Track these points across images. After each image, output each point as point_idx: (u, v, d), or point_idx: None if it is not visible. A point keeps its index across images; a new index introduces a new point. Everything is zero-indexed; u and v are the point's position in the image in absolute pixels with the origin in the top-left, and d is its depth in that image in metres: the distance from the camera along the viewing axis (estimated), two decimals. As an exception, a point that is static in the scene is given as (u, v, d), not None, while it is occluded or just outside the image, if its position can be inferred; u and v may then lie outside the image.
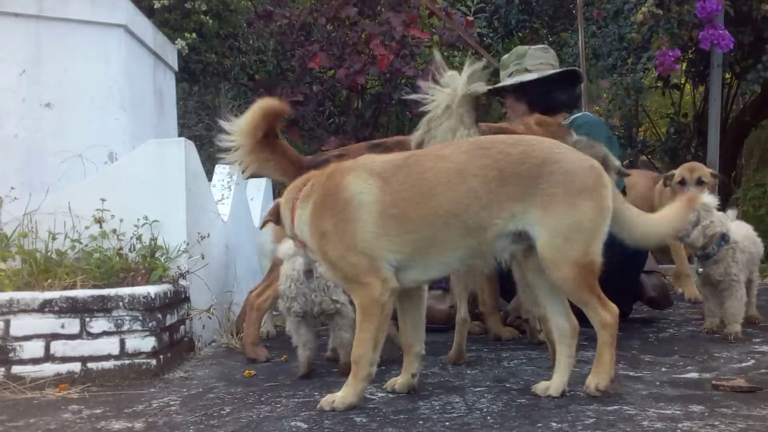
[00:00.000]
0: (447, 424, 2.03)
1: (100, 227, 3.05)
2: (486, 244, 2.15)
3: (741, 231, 3.33)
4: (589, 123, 3.66)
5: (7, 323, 2.67)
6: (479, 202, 2.10)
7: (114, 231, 3.04)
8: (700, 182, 4.26)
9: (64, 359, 2.70)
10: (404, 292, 2.26)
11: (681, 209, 2.35)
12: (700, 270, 3.27)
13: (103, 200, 3.06)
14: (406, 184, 2.12)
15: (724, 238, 3.20)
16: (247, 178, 4.29)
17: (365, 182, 2.14)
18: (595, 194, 2.12)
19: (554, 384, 2.27)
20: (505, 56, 3.90)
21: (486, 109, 2.80)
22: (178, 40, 5.90)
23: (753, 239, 3.40)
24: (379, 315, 2.12)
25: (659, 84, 7.02)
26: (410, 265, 2.16)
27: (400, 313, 2.38)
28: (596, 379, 2.20)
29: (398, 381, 2.40)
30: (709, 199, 3.27)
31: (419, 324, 2.40)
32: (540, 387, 2.30)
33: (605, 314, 2.15)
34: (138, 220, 3.08)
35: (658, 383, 2.43)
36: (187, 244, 3.16)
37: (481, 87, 2.58)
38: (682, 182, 4.31)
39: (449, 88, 2.55)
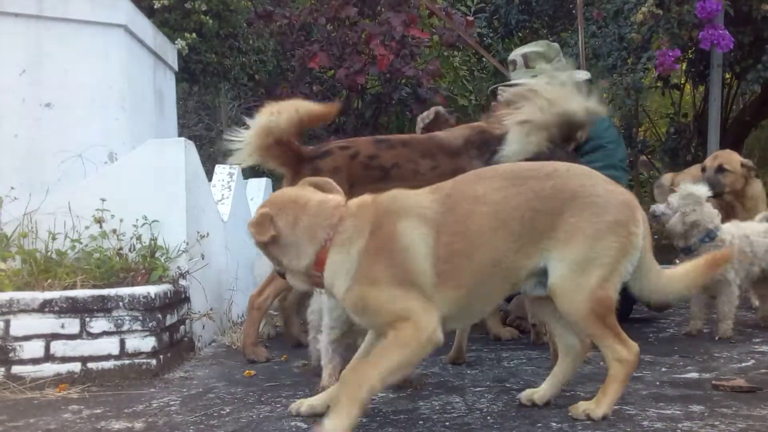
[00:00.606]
0: (447, 424, 2.03)
1: (100, 227, 3.05)
2: (518, 284, 2.05)
3: (738, 231, 3.26)
4: (600, 120, 3.68)
5: (7, 323, 2.67)
6: (516, 245, 1.98)
7: (114, 231, 3.04)
8: (721, 170, 4.00)
9: (64, 359, 2.70)
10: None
11: (700, 270, 2.12)
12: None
13: (103, 200, 3.06)
14: (455, 236, 1.97)
15: (709, 234, 3.16)
16: (247, 170, 4.28)
17: (419, 230, 1.96)
18: (623, 230, 1.98)
19: (540, 391, 2.20)
20: (541, 48, 3.78)
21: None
22: (178, 40, 5.90)
23: (756, 238, 3.27)
24: (409, 355, 1.88)
25: (659, 84, 7.02)
26: (451, 317, 2.01)
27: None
28: (591, 407, 2.02)
29: (306, 402, 2.20)
30: (695, 188, 3.22)
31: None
32: (525, 394, 2.22)
33: (622, 350, 2.00)
34: (138, 220, 3.08)
35: (658, 383, 2.43)
36: (187, 244, 3.16)
37: (601, 108, 2.52)
38: (703, 170, 4.09)
39: (544, 98, 2.49)
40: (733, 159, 4.09)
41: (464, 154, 2.96)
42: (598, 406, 2.00)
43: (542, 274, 2.02)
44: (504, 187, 2.02)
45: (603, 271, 1.96)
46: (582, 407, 2.02)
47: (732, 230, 3.25)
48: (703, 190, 3.22)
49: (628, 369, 2.01)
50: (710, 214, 3.18)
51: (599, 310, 1.97)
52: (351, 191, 2.98)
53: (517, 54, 3.76)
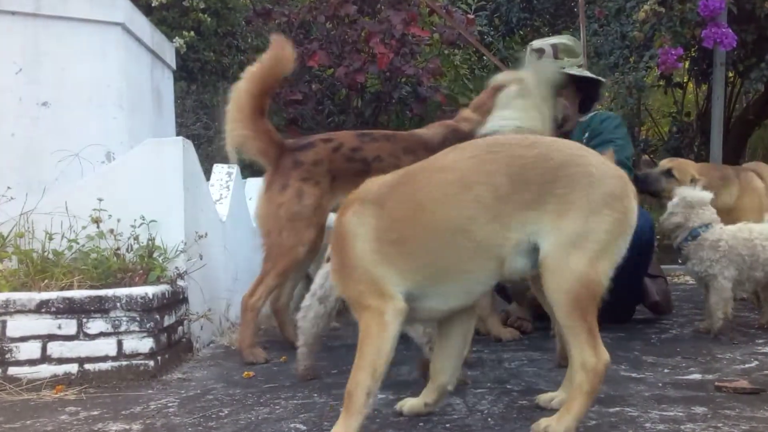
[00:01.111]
0: (447, 425, 2.01)
1: (98, 227, 3.02)
2: (505, 263, 1.89)
3: (740, 233, 3.20)
4: (611, 118, 3.69)
5: (4, 324, 2.65)
6: (487, 212, 1.85)
7: (111, 231, 3.01)
8: (669, 174, 3.89)
9: (61, 360, 2.67)
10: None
11: None
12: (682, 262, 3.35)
13: (101, 200, 3.03)
14: (400, 204, 1.92)
15: (692, 233, 3.20)
16: (246, 169, 4.24)
17: (359, 215, 1.95)
18: (619, 205, 1.84)
19: (560, 397, 2.13)
20: (569, 42, 3.74)
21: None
22: (176, 38, 5.90)
23: (752, 242, 3.17)
24: (377, 336, 1.83)
25: (662, 83, 7.01)
26: (424, 294, 1.91)
27: (437, 334, 2.13)
28: (552, 424, 1.83)
29: (408, 402, 2.16)
30: (688, 192, 3.29)
31: (455, 352, 2.08)
32: (544, 398, 2.16)
33: (590, 355, 1.79)
34: (135, 220, 3.05)
35: (660, 384, 2.41)
36: (185, 244, 3.14)
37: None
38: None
39: None
40: (686, 169, 3.89)
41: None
42: (559, 423, 1.81)
43: (533, 252, 1.88)
44: (478, 154, 1.92)
45: (596, 247, 1.81)
46: (543, 424, 1.87)
47: (727, 232, 3.21)
48: (698, 195, 3.27)
49: (593, 380, 1.79)
50: (701, 216, 3.21)
51: (585, 295, 1.80)
52: (333, 184, 3.00)
53: (546, 43, 3.73)
